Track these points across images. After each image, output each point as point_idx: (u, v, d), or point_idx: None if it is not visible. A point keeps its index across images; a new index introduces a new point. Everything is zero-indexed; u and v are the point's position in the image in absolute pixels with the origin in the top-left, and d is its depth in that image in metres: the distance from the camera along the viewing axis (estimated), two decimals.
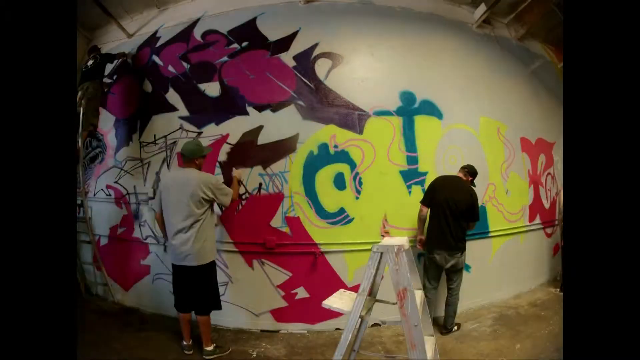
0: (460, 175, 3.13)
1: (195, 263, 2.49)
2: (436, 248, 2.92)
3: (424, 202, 3.02)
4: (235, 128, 3.23)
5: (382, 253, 1.67)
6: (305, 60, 3.29)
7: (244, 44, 3.39)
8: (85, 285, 3.79)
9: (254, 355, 2.68)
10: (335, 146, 3.15)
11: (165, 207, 2.55)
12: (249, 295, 3.13)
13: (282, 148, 3.15)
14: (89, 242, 3.72)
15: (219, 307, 2.67)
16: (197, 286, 2.56)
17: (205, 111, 3.35)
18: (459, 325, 3.09)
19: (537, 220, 4.09)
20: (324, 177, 3.12)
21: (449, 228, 2.88)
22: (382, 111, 3.27)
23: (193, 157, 2.58)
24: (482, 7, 3.74)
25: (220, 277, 3.12)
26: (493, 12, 3.85)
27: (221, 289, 2.84)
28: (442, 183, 3.01)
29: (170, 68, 3.60)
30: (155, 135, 3.50)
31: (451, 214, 2.88)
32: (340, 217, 3.11)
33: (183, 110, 3.43)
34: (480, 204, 3.52)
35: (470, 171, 3.14)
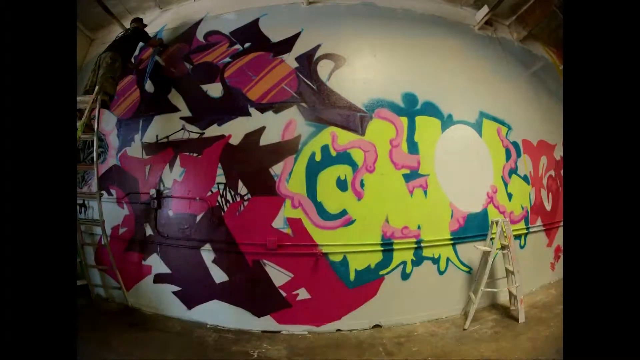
0: None
1: None
2: None
3: None
4: (237, 129, 3.23)
5: None
6: (308, 62, 3.30)
7: (247, 45, 3.40)
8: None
9: (255, 355, 2.67)
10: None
11: None
12: (250, 296, 3.14)
13: (284, 149, 3.15)
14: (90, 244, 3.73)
15: None
16: None
17: (207, 112, 3.36)
18: None
19: (539, 222, 4.08)
20: (326, 178, 3.12)
21: None
22: (384, 112, 3.27)
23: None
24: (484, 9, 3.76)
25: (222, 277, 3.14)
26: (495, 14, 3.87)
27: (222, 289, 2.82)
28: None
29: (173, 69, 3.61)
30: (157, 136, 3.51)
31: None
32: (342, 219, 3.11)
33: (185, 111, 3.44)
34: (482, 206, 3.53)
35: None
